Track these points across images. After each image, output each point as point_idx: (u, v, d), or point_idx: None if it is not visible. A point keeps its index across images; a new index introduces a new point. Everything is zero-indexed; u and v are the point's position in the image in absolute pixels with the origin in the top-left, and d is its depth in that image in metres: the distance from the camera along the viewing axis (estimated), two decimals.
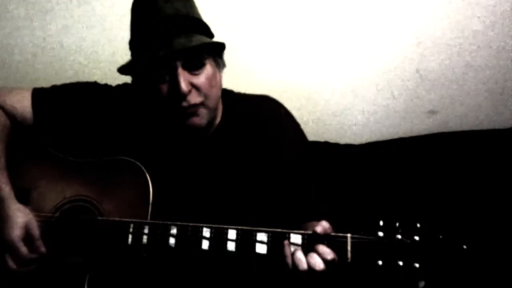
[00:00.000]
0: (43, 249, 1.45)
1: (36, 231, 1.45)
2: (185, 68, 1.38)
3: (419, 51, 2.06)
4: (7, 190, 1.48)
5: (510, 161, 1.86)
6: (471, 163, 1.90)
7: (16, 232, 1.43)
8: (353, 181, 1.98)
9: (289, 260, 1.21)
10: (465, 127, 2.04)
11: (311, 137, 2.04)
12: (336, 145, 2.07)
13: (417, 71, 2.07)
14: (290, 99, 2.12)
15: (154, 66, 1.37)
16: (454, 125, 2.07)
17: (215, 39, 1.46)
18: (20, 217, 1.45)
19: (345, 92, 2.13)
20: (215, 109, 1.48)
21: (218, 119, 1.55)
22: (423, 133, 2.05)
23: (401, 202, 1.89)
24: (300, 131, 1.59)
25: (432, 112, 2.10)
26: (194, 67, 1.39)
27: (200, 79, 1.39)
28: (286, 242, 1.23)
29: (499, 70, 2.04)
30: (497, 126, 2.02)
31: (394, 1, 2.05)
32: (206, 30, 1.45)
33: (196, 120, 1.41)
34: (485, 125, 2.04)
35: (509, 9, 1.99)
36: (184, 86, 1.35)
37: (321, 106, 2.15)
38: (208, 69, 1.41)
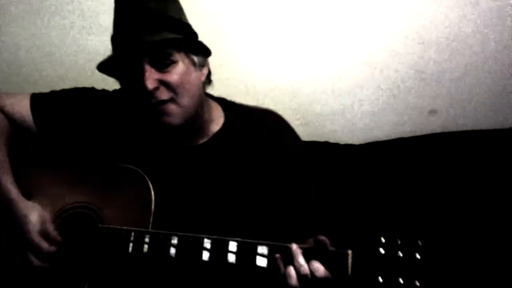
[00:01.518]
0: (59, 238, 1.47)
1: (50, 225, 1.48)
2: (153, 65, 1.36)
3: (419, 51, 2.05)
4: (15, 191, 1.49)
5: (510, 161, 1.86)
6: (471, 163, 1.89)
7: (35, 229, 1.44)
8: (353, 181, 1.98)
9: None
10: (465, 127, 2.03)
11: (311, 137, 2.06)
12: (336, 145, 2.07)
13: (417, 71, 2.06)
14: (290, 99, 2.14)
15: (121, 63, 1.38)
16: (454, 125, 2.06)
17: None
18: (34, 214, 1.46)
19: (345, 92, 2.12)
20: (190, 108, 1.43)
21: (219, 127, 1.55)
22: (423, 133, 2.04)
23: (401, 202, 1.89)
24: (300, 146, 1.59)
25: (432, 112, 2.09)
26: (163, 64, 1.37)
27: (170, 76, 1.38)
28: (278, 255, 1.22)
29: (499, 70, 2.03)
30: (497, 126, 2.01)
31: (394, 1, 2.04)
32: (181, 29, 1.42)
33: (167, 119, 1.40)
34: (485, 125, 2.03)
35: (509, 9, 1.97)
36: (148, 83, 1.34)
37: (321, 106, 2.14)
38: (180, 66, 1.39)
